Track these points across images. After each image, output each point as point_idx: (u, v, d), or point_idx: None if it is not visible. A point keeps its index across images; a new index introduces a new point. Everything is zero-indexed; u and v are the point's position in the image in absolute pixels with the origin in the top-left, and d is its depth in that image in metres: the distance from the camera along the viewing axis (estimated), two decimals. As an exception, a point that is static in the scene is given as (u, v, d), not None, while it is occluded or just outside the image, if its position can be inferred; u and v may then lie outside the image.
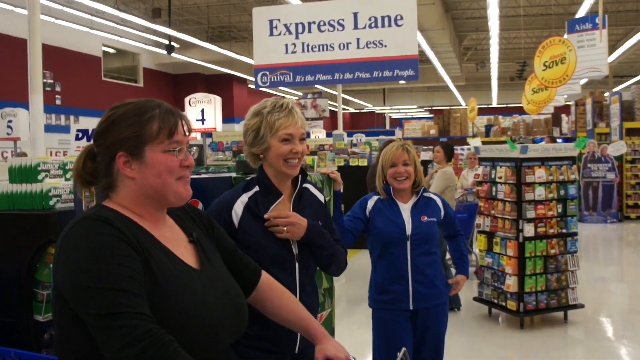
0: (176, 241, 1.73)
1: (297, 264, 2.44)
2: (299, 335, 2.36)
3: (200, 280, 1.68)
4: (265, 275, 2.03)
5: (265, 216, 2.42)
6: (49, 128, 13.22)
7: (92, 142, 1.71)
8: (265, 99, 2.50)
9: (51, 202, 2.83)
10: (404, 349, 2.08)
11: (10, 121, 10.50)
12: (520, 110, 24.09)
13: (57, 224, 2.64)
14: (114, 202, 1.67)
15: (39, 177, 2.89)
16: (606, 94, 18.46)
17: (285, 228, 2.41)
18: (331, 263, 2.58)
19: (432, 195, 3.72)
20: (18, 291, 2.76)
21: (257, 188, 2.49)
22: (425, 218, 3.57)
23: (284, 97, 2.52)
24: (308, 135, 19.11)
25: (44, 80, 17.51)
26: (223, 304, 1.69)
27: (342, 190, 3.49)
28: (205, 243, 1.83)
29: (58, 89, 19.89)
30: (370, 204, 3.67)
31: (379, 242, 3.59)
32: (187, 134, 1.72)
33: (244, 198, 2.46)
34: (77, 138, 7.04)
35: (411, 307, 3.51)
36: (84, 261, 1.47)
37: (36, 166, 2.90)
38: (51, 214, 2.78)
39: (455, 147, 17.18)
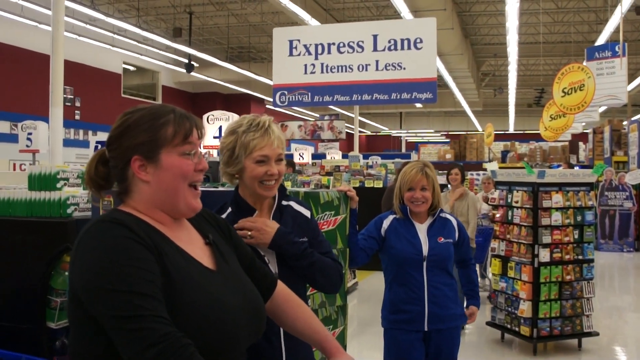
0: (192, 243, 1.73)
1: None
2: (284, 354, 2.33)
3: (216, 280, 1.68)
4: (281, 286, 2.02)
5: (236, 226, 2.31)
6: (67, 142, 13.33)
7: (104, 147, 1.72)
8: (243, 116, 2.40)
9: (69, 210, 2.85)
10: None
11: (30, 134, 10.61)
12: (537, 137, 24.03)
13: (74, 232, 2.65)
14: (129, 207, 1.67)
15: (58, 185, 2.92)
16: (624, 122, 18.36)
17: (249, 233, 2.30)
18: (314, 275, 2.41)
19: (448, 216, 3.70)
20: (32, 298, 2.77)
21: (229, 211, 2.41)
22: (442, 239, 3.54)
23: (261, 115, 2.40)
24: (322, 156, 19.14)
25: (65, 96, 17.70)
26: (240, 305, 1.68)
27: (357, 209, 3.47)
28: (222, 246, 1.83)
29: (78, 104, 20.13)
30: (386, 223, 3.64)
31: (395, 262, 3.56)
32: (200, 138, 1.73)
33: None
34: (96, 150, 7.09)
35: (426, 328, 3.47)
36: (102, 263, 1.47)
37: (55, 174, 2.93)
38: (68, 222, 2.80)
39: (471, 172, 17.13)
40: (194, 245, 1.73)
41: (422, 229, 3.57)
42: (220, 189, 3.15)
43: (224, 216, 2.36)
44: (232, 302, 1.65)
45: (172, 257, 1.59)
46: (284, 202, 2.49)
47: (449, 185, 7.60)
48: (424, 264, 3.48)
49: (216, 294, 1.62)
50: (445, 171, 7.71)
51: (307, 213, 2.55)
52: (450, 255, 3.58)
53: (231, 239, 1.92)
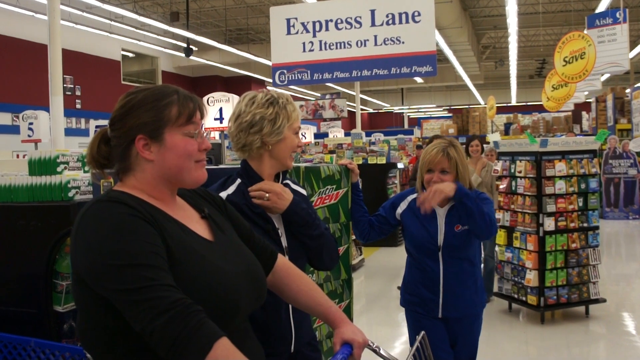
0: (189, 218, 1.75)
1: (286, 257, 2.28)
2: (293, 334, 2.33)
3: (215, 250, 1.70)
4: (282, 259, 2.03)
5: (252, 188, 2.36)
6: (69, 131, 13.35)
7: (107, 126, 1.73)
8: (262, 90, 2.45)
9: (70, 194, 2.85)
10: (422, 332, 2.07)
11: (31, 124, 10.60)
12: (539, 109, 23.93)
13: (76, 215, 2.66)
14: (127, 186, 1.69)
15: (58, 169, 2.91)
16: (627, 90, 18.25)
17: (267, 195, 2.33)
18: (322, 248, 2.44)
19: None
20: (38, 282, 2.78)
21: (238, 182, 2.42)
22: (460, 227, 3.29)
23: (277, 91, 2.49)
24: (325, 135, 19.13)
25: (65, 85, 17.69)
26: (240, 272, 1.70)
27: (360, 182, 3.44)
28: (219, 218, 1.86)
29: (78, 93, 20.10)
30: (404, 205, 3.45)
31: (412, 246, 3.42)
32: (202, 118, 1.76)
33: (222, 194, 2.34)
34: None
35: (440, 315, 3.34)
36: (105, 241, 1.49)
37: (55, 158, 2.93)
38: (70, 205, 2.80)
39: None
40: (191, 220, 1.75)
41: (441, 214, 3.33)
42: (221, 166, 3.15)
43: (233, 187, 2.40)
44: (232, 270, 1.68)
45: (170, 229, 1.61)
46: (285, 181, 2.53)
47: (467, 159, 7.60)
48: (440, 253, 3.30)
49: (216, 263, 1.65)
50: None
51: (303, 191, 2.61)
52: (468, 243, 3.34)
53: (227, 214, 1.94)
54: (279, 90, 2.48)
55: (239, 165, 2.50)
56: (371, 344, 1.89)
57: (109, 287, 1.47)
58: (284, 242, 2.37)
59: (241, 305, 1.66)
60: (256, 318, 2.05)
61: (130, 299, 1.44)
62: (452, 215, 3.31)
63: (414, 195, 3.43)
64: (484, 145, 7.75)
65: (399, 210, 3.45)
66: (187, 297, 1.46)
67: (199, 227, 1.75)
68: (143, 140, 1.66)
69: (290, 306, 2.31)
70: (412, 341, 3.51)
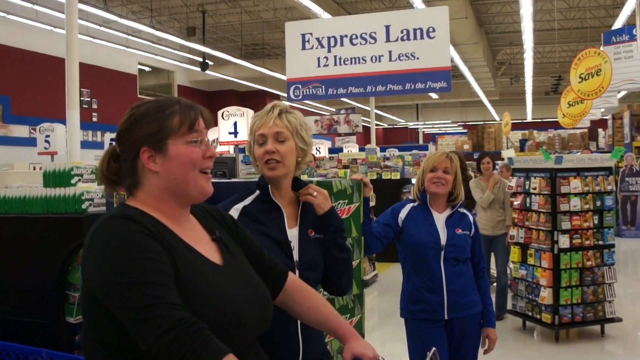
0: (199, 239, 1.75)
1: (297, 272, 2.30)
2: (301, 349, 2.30)
3: (223, 275, 1.70)
4: (292, 277, 2.03)
5: (304, 190, 2.41)
6: (85, 144, 13.44)
7: (114, 143, 1.75)
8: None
9: (84, 206, 2.87)
10: (434, 348, 2.04)
11: (47, 136, 10.72)
12: (555, 125, 23.80)
13: (90, 227, 2.67)
14: (138, 201, 1.69)
15: (72, 182, 2.94)
16: (644, 107, 18.12)
17: (315, 194, 2.37)
18: (345, 267, 2.44)
19: (466, 212, 3.64)
20: (50, 293, 2.80)
21: (257, 193, 2.41)
22: (460, 231, 3.51)
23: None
24: (340, 150, 19.10)
25: (82, 98, 17.84)
26: (247, 298, 1.70)
27: (371, 198, 3.46)
28: (229, 242, 1.85)
29: (95, 106, 20.27)
30: (404, 212, 3.60)
31: (413, 251, 3.52)
32: (207, 126, 1.76)
33: (237, 206, 2.37)
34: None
35: (446, 317, 3.44)
36: (115, 258, 1.50)
37: (69, 170, 2.96)
38: (84, 217, 2.82)
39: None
40: (201, 241, 1.75)
41: (440, 219, 3.53)
42: (233, 180, 3.16)
43: (251, 197, 2.40)
44: (239, 294, 1.67)
45: (179, 251, 1.61)
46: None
47: (474, 177, 7.59)
48: (442, 253, 3.45)
49: (223, 287, 1.64)
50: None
51: None
52: (468, 246, 3.53)
53: (237, 234, 1.93)
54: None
55: (256, 179, 2.50)
56: (382, 359, 1.88)
57: (115, 304, 1.48)
58: (295, 255, 2.34)
59: (247, 330, 1.67)
60: (264, 331, 2.05)
61: (136, 317, 1.44)
62: (453, 220, 3.52)
63: (413, 204, 3.61)
64: (498, 162, 7.73)
65: (401, 215, 3.58)
66: (192, 315, 1.46)
67: (209, 250, 1.75)
68: (147, 152, 1.67)
69: (299, 321, 2.30)
70: (410, 352, 3.56)
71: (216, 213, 1.92)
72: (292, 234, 2.37)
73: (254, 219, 2.33)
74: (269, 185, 2.39)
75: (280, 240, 2.31)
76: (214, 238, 1.80)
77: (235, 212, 2.35)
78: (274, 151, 2.31)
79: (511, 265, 7.11)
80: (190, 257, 1.63)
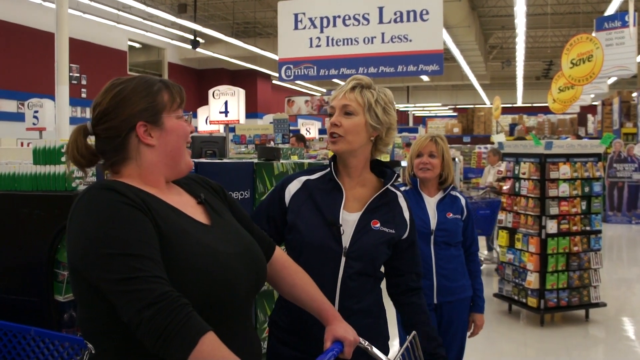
0: (184, 203, 1.75)
1: (343, 259, 2.18)
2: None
3: (211, 233, 1.69)
4: (279, 252, 2.02)
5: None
6: (74, 120, 13.34)
7: (90, 122, 1.72)
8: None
9: (74, 184, 2.85)
10: (413, 332, 2.06)
11: (36, 112, 10.60)
12: (545, 110, 23.87)
13: (79, 205, 2.66)
14: (121, 176, 1.69)
15: (62, 159, 2.92)
16: (634, 94, 18.20)
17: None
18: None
19: (458, 195, 3.64)
20: (39, 271, 2.79)
21: (326, 171, 2.31)
22: (451, 215, 3.51)
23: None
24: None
25: (71, 74, 17.66)
26: (237, 253, 1.69)
27: None
28: (216, 203, 1.85)
29: (84, 82, 20.10)
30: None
31: None
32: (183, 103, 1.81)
33: (302, 178, 2.31)
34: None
35: (435, 301, 3.46)
36: (94, 229, 1.48)
37: (59, 148, 2.92)
38: (73, 195, 2.80)
39: (479, 145, 17.06)
40: (186, 205, 1.75)
41: (431, 203, 3.54)
42: (225, 160, 3.15)
43: (319, 174, 2.32)
44: (229, 251, 1.67)
45: (163, 213, 1.60)
46: (390, 188, 2.33)
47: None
48: (432, 237, 3.46)
49: (211, 245, 1.63)
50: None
51: (407, 214, 2.41)
52: (459, 230, 3.54)
53: (226, 199, 1.94)
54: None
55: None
56: (362, 343, 1.90)
57: (97, 276, 1.46)
58: (344, 241, 2.19)
59: (239, 287, 1.65)
60: (296, 311, 2.06)
61: (118, 289, 1.43)
62: (444, 204, 3.53)
63: (404, 188, 3.61)
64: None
65: None
66: (175, 290, 1.45)
67: (195, 212, 1.74)
68: (144, 127, 1.67)
69: None
70: (400, 336, 3.55)
71: (201, 180, 1.93)
72: (350, 218, 2.22)
73: (310, 193, 2.26)
74: (337, 163, 2.31)
75: (330, 221, 2.20)
76: (199, 201, 1.80)
77: (297, 183, 2.30)
78: (337, 124, 2.20)
79: (498, 249, 7.16)
80: (174, 217, 1.63)
